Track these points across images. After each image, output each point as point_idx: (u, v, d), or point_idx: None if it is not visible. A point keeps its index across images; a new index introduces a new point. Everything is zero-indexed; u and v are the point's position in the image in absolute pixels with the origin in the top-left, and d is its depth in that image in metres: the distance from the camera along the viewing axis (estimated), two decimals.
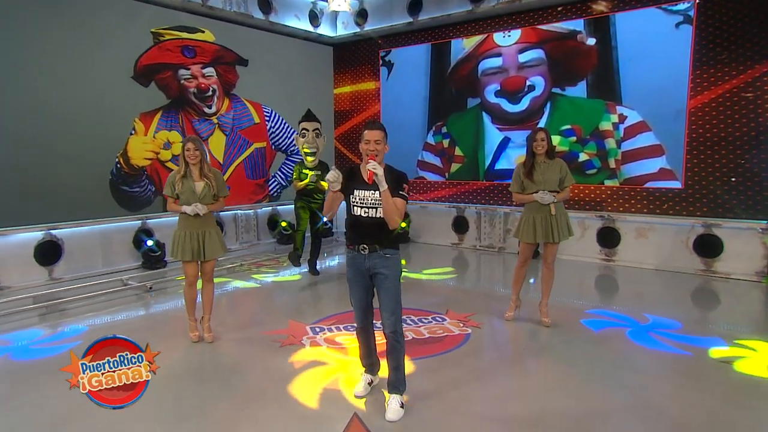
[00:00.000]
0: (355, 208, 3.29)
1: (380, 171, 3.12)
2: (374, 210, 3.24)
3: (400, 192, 3.22)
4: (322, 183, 6.67)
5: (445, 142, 9.28)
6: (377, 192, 3.19)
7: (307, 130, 6.84)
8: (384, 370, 3.57)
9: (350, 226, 3.37)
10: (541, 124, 8.14)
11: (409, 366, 3.42)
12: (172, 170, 4.59)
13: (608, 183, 7.72)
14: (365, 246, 3.27)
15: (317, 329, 4.92)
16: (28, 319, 5.43)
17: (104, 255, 7.26)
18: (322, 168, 6.79)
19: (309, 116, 7.01)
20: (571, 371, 4.04)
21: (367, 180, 3.21)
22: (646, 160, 7.38)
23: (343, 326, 4.96)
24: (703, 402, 3.56)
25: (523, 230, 4.86)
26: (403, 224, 8.41)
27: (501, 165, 8.65)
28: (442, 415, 3.38)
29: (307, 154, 6.79)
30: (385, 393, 3.49)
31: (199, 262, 4.56)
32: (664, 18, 7.14)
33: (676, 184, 7.22)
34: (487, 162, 8.84)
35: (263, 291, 6.62)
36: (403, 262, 3.58)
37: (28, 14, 6.47)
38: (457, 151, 9.15)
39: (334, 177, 3.21)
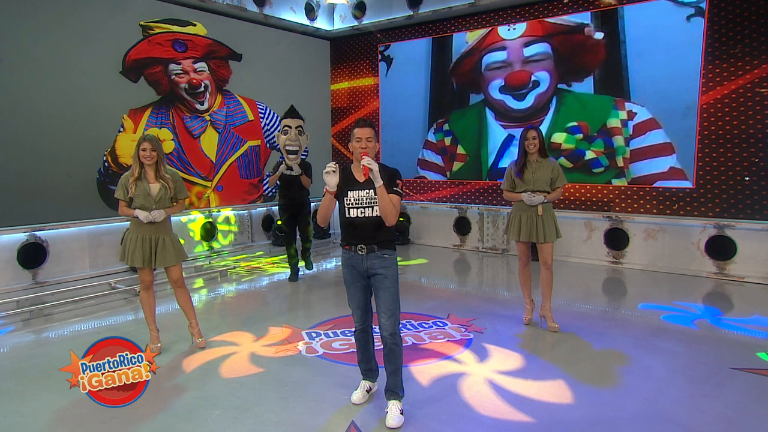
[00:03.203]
0: (351, 209, 3.22)
1: (375, 166, 3.09)
2: (370, 209, 3.20)
3: (395, 188, 3.18)
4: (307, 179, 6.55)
5: (447, 140, 9.02)
6: (371, 191, 3.17)
7: (290, 127, 6.64)
8: (382, 379, 3.50)
9: (345, 228, 3.29)
10: (547, 120, 7.90)
11: (409, 372, 3.36)
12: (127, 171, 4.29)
13: (616, 182, 7.46)
14: (363, 246, 3.21)
15: (313, 334, 4.80)
16: (10, 324, 5.25)
17: (91, 257, 7.03)
18: (305, 167, 6.59)
19: (292, 113, 6.82)
20: (579, 378, 3.88)
21: (362, 176, 3.18)
22: (656, 159, 7.14)
23: (339, 331, 4.86)
24: (718, 410, 3.40)
25: (510, 228, 4.89)
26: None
27: (505, 163, 8.39)
28: (443, 423, 3.26)
29: (289, 151, 6.54)
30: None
31: (166, 269, 4.32)
32: (675, 10, 6.91)
33: (687, 184, 6.97)
34: (491, 160, 8.59)
35: (257, 294, 6.46)
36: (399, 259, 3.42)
37: (9, 3, 6.22)
38: (460, 149, 8.90)
39: (332, 167, 3.14)
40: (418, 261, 7.99)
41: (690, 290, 6.36)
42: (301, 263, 6.99)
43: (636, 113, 7.22)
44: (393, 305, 3.21)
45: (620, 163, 7.40)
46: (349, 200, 3.20)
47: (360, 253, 3.21)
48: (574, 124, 7.72)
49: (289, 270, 6.91)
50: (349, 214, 3.21)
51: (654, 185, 7.19)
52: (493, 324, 5.04)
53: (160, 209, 4.15)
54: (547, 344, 4.64)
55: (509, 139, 8.34)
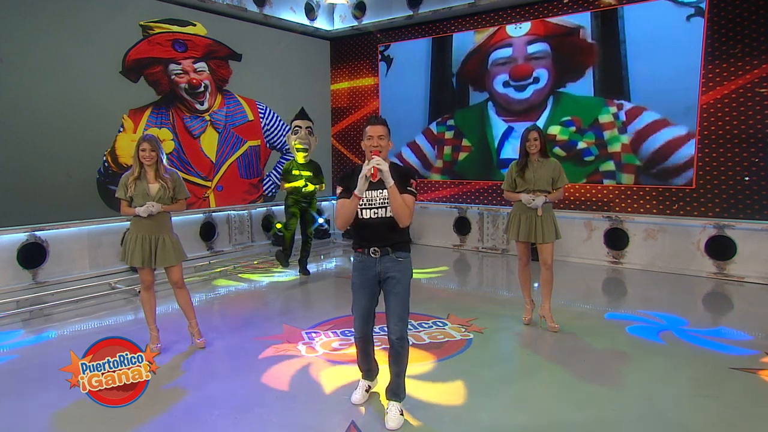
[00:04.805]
0: (363, 210, 3.12)
1: (385, 166, 2.96)
2: (383, 210, 3.10)
3: (408, 188, 3.07)
4: (312, 186, 6.79)
5: (449, 134, 9.02)
6: (385, 191, 3.05)
7: (300, 128, 6.96)
8: (382, 377, 3.49)
9: (358, 230, 3.19)
10: (543, 117, 7.96)
11: (409, 373, 3.34)
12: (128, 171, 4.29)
13: (629, 163, 7.42)
14: (376, 249, 3.12)
15: (313, 334, 4.80)
16: (10, 325, 5.25)
17: (91, 257, 7.01)
18: (313, 167, 6.88)
19: (302, 115, 7.12)
20: (580, 379, 3.87)
21: (371, 178, 3.03)
22: (658, 133, 7.10)
23: (339, 331, 4.85)
24: (720, 411, 3.39)
25: (510, 228, 4.90)
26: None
27: (505, 155, 8.40)
28: (443, 424, 3.26)
29: (299, 150, 6.79)
30: (383, 401, 3.37)
31: (166, 269, 4.33)
32: (675, 10, 6.91)
33: (689, 172, 6.92)
34: (495, 159, 8.60)
35: (257, 294, 6.47)
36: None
37: (9, 3, 6.21)
38: (465, 142, 8.90)
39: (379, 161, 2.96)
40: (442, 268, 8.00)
41: (689, 290, 6.36)
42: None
43: (623, 104, 7.33)
44: (403, 309, 3.13)
45: (618, 148, 7.42)
46: (362, 201, 3.09)
47: (373, 256, 3.12)
48: (568, 118, 7.84)
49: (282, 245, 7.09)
50: (361, 215, 3.11)
51: (655, 180, 7.17)
52: (493, 324, 5.04)
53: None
54: (547, 344, 4.63)
55: (509, 130, 8.37)
